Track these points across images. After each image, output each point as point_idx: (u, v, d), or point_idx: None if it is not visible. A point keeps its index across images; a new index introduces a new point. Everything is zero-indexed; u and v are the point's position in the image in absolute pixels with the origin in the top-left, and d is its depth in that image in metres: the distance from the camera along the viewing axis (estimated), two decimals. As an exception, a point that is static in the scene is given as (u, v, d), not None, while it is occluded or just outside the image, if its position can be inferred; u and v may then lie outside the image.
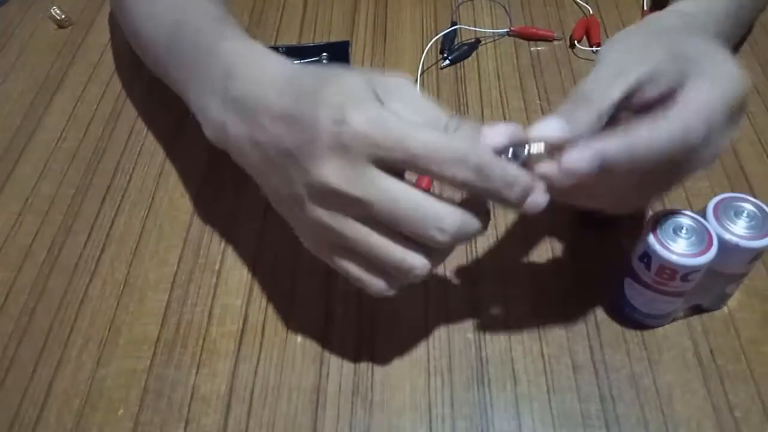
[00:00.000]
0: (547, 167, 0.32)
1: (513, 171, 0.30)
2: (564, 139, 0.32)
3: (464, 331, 0.41)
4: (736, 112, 0.33)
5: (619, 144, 0.31)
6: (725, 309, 0.42)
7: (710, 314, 0.41)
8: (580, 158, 0.31)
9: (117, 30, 0.63)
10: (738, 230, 0.36)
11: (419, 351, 0.40)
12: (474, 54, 0.58)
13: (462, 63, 0.58)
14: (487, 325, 0.41)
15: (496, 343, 0.41)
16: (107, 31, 0.63)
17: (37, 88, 0.58)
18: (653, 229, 0.36)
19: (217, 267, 0.45)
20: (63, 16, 0.63)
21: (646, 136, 0.31)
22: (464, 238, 0.32)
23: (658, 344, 0.40)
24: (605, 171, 0.31)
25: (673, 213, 0.37)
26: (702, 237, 0.36)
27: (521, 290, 0.43)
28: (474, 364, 0.40)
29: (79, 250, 0.46)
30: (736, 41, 0.42)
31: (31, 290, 0.44)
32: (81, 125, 0.54)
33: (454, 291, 0.43)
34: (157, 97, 0.56)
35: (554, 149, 0.32)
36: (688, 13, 0.38)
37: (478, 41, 0.59)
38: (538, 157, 0.32)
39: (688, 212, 0.37)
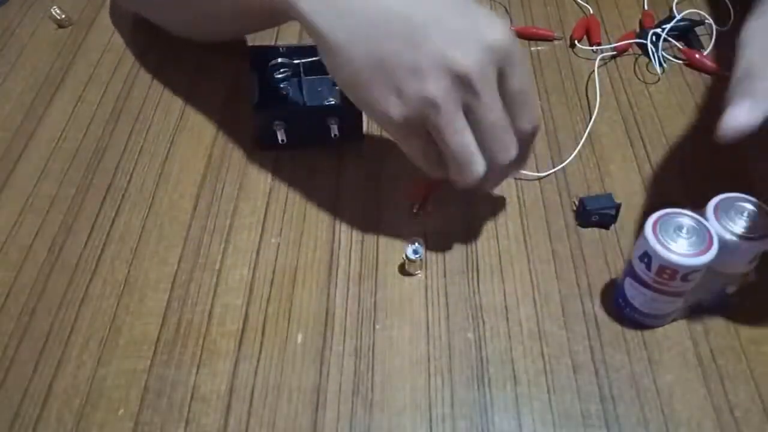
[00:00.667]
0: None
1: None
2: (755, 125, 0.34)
3: (464, 331, 0.41)
4: None
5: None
6: (725, 309, 0.42)
7: (710, 314, 0.41)
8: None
9: (118, 29, 0.63)
10: (738, 230, 0.36)
11: (419, 351, 0.40)
12: (474, 54, 0.58)
13: (462, 63, 0.57)
14: (487, 325, 0.41)
15: (496, 343, 0.41)
16: (108, 30, 0.63)
17: (37, 87, 0.58)
18: (653, 229, 0.36)
19: (217, 267, 0.45)
20: (63, 16, 0.63)
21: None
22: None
23: (659, 344, 0.40)
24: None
25: (674, 213, 0.37)
26: (702, 237, 0.36)
27: (521, 290, 0.43)
28: (474, 364, 0.40)
29: (80, 250, 0.46)
30: None
31: (31, 290, 0.44)
32: (81, 125, 0.54)
33: (454, 291, 0.43)
34: (158, 97, 0.56)
35: None
36: None
37: (478, 41, 0.59)
38: None
39: (688, 212, 0.37)
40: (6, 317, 0.43)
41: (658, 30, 0.57)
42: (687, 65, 0.57)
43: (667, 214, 0.37)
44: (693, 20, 0.58)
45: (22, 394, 0.39)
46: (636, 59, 0.58)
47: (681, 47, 0.57)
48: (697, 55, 0.56)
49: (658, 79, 0.56)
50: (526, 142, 0.40)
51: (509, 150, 0.39)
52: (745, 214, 0.37)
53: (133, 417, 0.38)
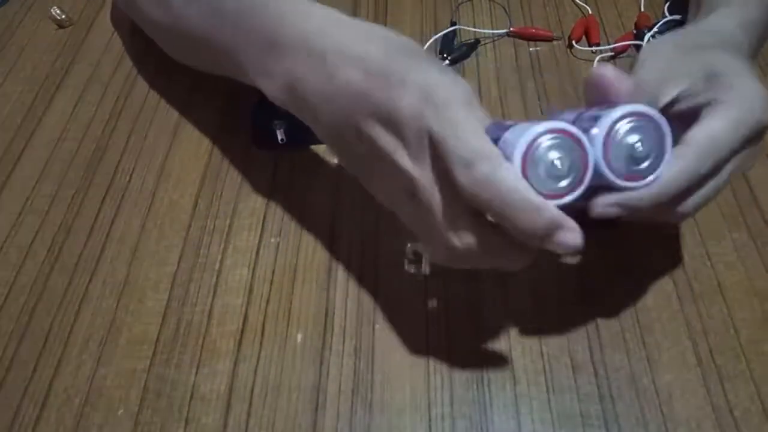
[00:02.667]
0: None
1: (533, 198, 0.30)
2: (627, 90, 0.32)
3: (464, 331, 0.41)
4: (755, 137, 0.34)
5: (652, 195, 0.32)
6: (725, 309, 0.42)
7: (710, 314, 0.41)
8: (603, 207, 0.32)
9: (118, 30, 0.63)
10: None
11: (419, 351, 0.40)
12: (473, 54, 0.58)
13: (461, 63, 0.58)
14: (487, 325, 0.41)
15: (496, 343, 0.41)
16: (108, 31, 0.63)
17: (37, 88, 0.58)
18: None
19: (217, 266, 0.45)
20: (63, 16, 0.63)
21: (672, 182, 0.32)
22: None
23: (658, 344, 0.40)
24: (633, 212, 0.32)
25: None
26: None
27: (521, 290, 0.43)
28: (473, 364, 0.40)
29: (80, 250, 0.46)
30: (762, 45, 0.44)
31: (31, 290, 0.44)
32: (81, 125, 0.54)
33: (454, 291, 0.43)
34: (158, 97, 0.56)
35: None
36: (722, 30, 0.39)
37: (477, 41, 0.59)
38: None
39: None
40: (6, 317, 0.43)
41: (655, 29, 0.57)
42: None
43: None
44: (683, 21, 0.58)
45: (21, 394, 0.39)
46: (634, 60, 0.58)
47: None
48: None
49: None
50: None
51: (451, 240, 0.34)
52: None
53: (133, 417, 0.38)
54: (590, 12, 0.61)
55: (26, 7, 0.66)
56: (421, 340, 0.41)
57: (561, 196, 0.30)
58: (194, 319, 0.42)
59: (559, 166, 0.30)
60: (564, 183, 0.30)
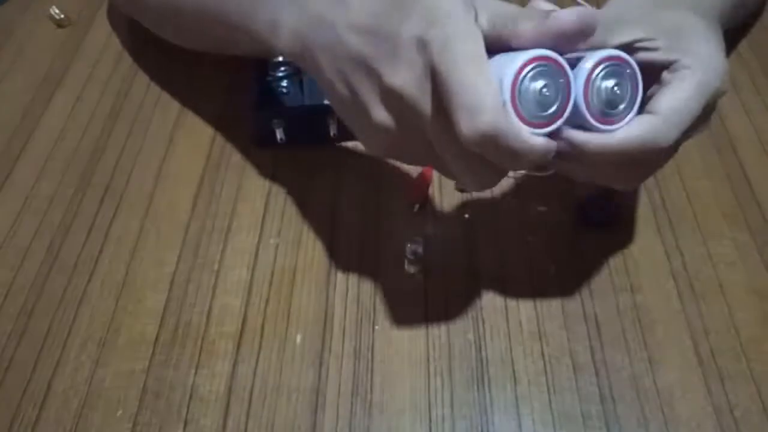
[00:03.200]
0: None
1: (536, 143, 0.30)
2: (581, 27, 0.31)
3: (464, 331, 0.41)
4: (711, 106, 0.34)
5: (597, 142, 0.32)
6: (725, 309, 0.41)
7: (710, 314, 0.41)
8: (564, 136, 0.32)
9: (116, 29, 0.62)
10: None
11: (419, 351, 0.40)
12: (474, 53, 0.58)
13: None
14: (487, 325, 0.41)
15: (496, 343, 0.41)
16: (106, 30, 0.63)
17: (36, 87, 0.58)
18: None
19: (215, 267, 0.45)
20: (62, 16, 0.63)
21: (621, 137, 0.32)
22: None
23: (659, 344, 0.40)
24: (580, 157, 0.32)
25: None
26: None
27: (521, 290, 0.43)
28: (474, 365, 0.40)
29: (78, 250, 0.46)
30: (737, 22, 0.43)
31: (29, 290, 0.44)
32: (80, 125, 0.54)
33: (454, 291, 0.43)
34: (156, 96, 0.56)
35: None
36: None
37: (477, 40, 0.59)
38: None
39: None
40: (4, 318, 0.43)
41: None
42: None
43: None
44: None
45: (20, 395, 0.39)
46: None
47: None
48: None
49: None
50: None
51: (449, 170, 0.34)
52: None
53: (132, 418, 0.38)
54: (590, 11, 0.61)
55: (25, 7, 0.65)
56: (421, 340, 0.41)
57: (547, 124, 0.31)
58: (193, 320, 0.42)
59: (547, 93, 0.30)
60: (550, 110, 0.31)
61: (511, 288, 0.43)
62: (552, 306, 0.42)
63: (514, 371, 0.39)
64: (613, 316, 0.41)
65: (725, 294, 0.42)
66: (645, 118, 0.33)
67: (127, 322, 0.42)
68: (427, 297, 0.43)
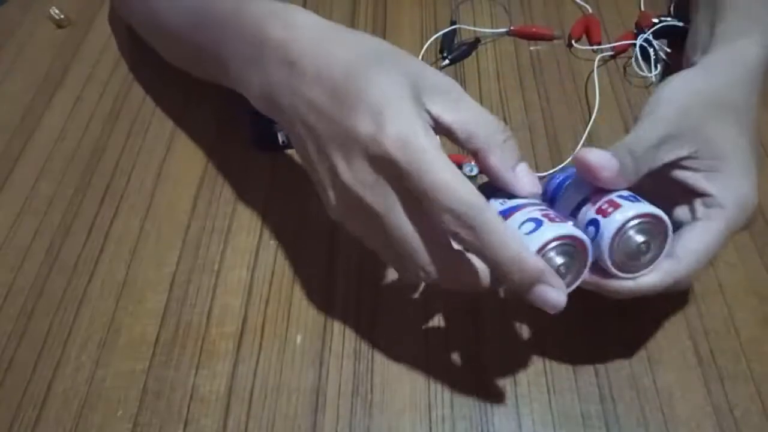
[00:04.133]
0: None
1: (515, 247, 0.29)
2: (610, 176, 0.32)
3: (464, 331, 0.41)
4: (733, 234, 0.35)
5: (625, 288, 0.34)
6: (725, 309, 0.41)
7: (710, 314, 0.41)
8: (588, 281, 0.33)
9: (116, 30, 0.62)
10: None
11: (419, 351, 0.40)
12: (474, 53, 0.58)
13: (461, 63, 0.58)
14: (487, 326, 0.41)
15: (496, 343, 0.41)
16: (106, 31, 0.63)
17: (36, 88, 0.58)
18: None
19: (216, 267, 0.45)
20: (62, 16, 0.63)
21: (642, 284, 0.33)
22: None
23: (658, 344, 0.40)
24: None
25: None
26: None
27: (521, 290, 0.43)
28: (474, 365, 0.40)
29: (78, 251, 0.46)
30: None
31: (30, 291, 0.44)
32: (80, 125, 0.54)
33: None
34: (156, 97, 0.56)
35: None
36: (745, 67, 0.39)
37: (477, 41, 0.59)
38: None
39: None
40: (4, 318, 0.43)
41: (652, 31, 0.57)
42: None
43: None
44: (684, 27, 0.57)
45: (20, 396, 0.39)
46: (633, 59, 0.57)
47: (668, 51, 0.57)
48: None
49: (651, 83, 0.56)
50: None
51: (429, 270, 0.33)
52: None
53: (132, 418, 0.38)
54: (590, 11, 0.61)
55: (25, 7, 0.65)
56: (421, 341, 0.41)
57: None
58: (193, 320, 0.42)
59: (563, 270, 0.32)
60: (566, 278, 0.32)
61: (511, 288, 0.43)
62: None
63: (514, 371, 0.39)
64: (613, 315, 0.41)
65: (725, 294, 0.42)
66: (666, 265, 0.33)
67: (128, 322, 0.42)
68: (427, 297, 0.43)
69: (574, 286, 0.33)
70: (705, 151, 0.35)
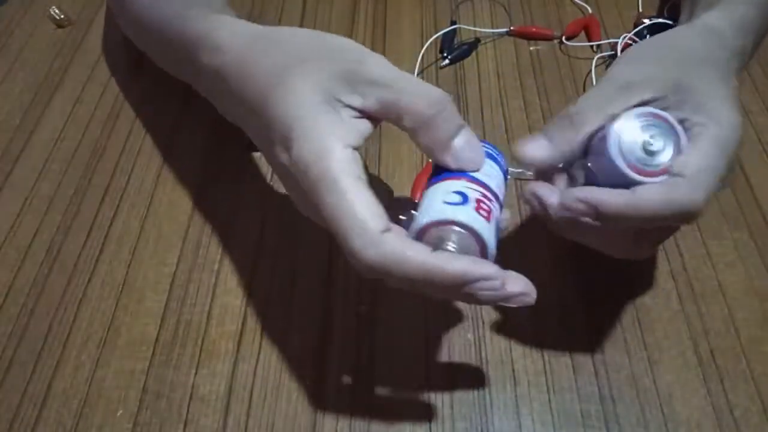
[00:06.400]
0: (545, 193, 0.33)
1: (423, 272, 0.28)
2: (547, 162, 0.33)
3: (464, 331, 0.41)
4: (732, 161, 0.33)
5: (620, 201, 0.31)
6: (725, 309, 0.41)
7: (710, 314, 0.41)
8: (571, 200, 0.32)
9: (115, 30, 0.62)
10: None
11: (419, 351, 0.40)
12: (474, 53, 0.58)
13: (461, 62, 0.58)
14: (487, 326, 0.41)
15: (496, 343, 0.41)
16: (106, 31, 0.63)
17: (35, 87, 0.58)
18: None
19: (216, 267, 0.45)
20: (62, 16, 0.63)
21: (652, 200, 0.31)
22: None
23: (658, 344, 0.40)
24: (602, 221, 0.32)
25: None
26: None
27: (521, 290, 0.43)
28: (474, 365, 0.40)
29: (78, 251, 0.46)
30: (756, 47, 0.43)
31: (29, 290, 0.44)
32: (80, 125, 0.54)
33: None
34: (156, 97, 0.56)
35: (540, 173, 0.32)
36: (713, 29, 0.38)
37: (477, 41, 0.59)
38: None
39: None
40: (4, 318, 0.43)
41: (646, 29, 0.57)
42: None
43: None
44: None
45: (20, 395, 0.39)
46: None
47: None
48: None
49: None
50: None
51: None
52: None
53: (132, 418, 0.38)
54: (590, 11, 0.61)
55: (25, 7, 0.65)
56: (421, 340, 0.41)
57: None
58: (193, 320, 0.42)
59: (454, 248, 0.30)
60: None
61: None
62: (551, 306, 0.42)
63: (514, 371, 0.39)
64: (613, 315, 0.41)
65: (725, 294, 0.42)
66: (670, 180, 0.31)
67: (128, 322, 0.42)
68: (426, 297, 0.43)
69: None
70: (669, 90, 0.34)
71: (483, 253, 0.30)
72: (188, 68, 0.40)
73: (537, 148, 0.33)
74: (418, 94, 0.31)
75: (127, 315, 0.43)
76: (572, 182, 0.35)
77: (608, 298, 0.42)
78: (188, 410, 0.39)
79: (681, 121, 0.33)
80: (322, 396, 0.39)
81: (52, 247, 0.46)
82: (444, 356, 0.40)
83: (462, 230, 0.30)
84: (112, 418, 0.38)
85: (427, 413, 0.38)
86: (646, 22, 0.58)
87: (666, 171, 0.32)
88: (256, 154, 0.51)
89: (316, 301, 0.43)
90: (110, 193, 0.49)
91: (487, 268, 0.29)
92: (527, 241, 0.45)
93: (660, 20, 0.57)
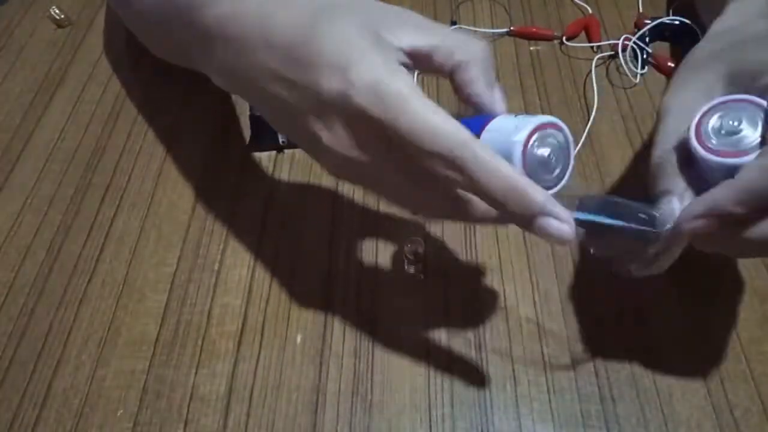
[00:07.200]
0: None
1: (512, 181, 0.27)
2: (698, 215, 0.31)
3: (464, 331, 0.41)
4: None
5: (728, 192, 0.29)
6: (726, 309, 0.41)
7: (710, 314, 0.41)
8: (690, 221, 0.30)
9: (115, 30, 0.62)
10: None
11: (419, 351, 0.40)
12: (474, 53, 0.58)
13: (462, 62, 0.57)
14: (487, 325, 0.41)
15: (496, 343, 0.41)
16: (107, 30, 0.63)
17: (36, 87, 0.58)
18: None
19: (216, 267, 0.45)
20: (62, 16, 0.63)
21: (756, 176, 0.29)
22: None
23: (658, 344, 0.40)
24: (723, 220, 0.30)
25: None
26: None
27: (521, 290, 0.43)
28: (474, 365, 0.40)
29: (79, 250, 0.46)
30: None
31: (30, 290, 0.44)
32: (80, 125, 0.54)
33: (453, 291, 0.43)
34: (156, 97, 0.56)
35: None
36: (745, 20, 0.37)
37: (477, 41, 0.59)
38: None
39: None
40: (5, 318, 0.43)
41: (647, 30, 0.57)
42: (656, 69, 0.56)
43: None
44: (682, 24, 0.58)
45: (21, 395, 0.39)
46: (622, 59, 0.58)
47: (651, 51, 0.57)
48: (669, 63, 0.56)
49: (634, 84, 0.56)
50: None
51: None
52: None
53: (132, 417, 0.38)
54: (590, 11, 0.61)
55: (25, 7, 0.65)
56: (421, 340, 0.41)
57: (552, 187, 0.31)
58: (193, 320, 0.42)
59: (553, 162, 0.31)
60: (555, 173, 0.31)
61: (510, 288, 0.43)
62: (552, 306, 0.42)
63: (514, 371, 0.39)
64: (614, 316, 0.41)
65: (725, 294, 0.42)
66: (765, 149, 0.30)
67: (128, 321, 0.42)
68: (426, 297, 0.43)
69: (564, 182, 0.31)
70: (730, 85, 0.33)
71: (567, 140, 0.31)
72: (193, 27, 0.37)
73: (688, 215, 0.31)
74: (464, 34, 0.32)
75: (128, 315, 0.43)
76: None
77: (608, 298, 0.42)
78: (188, 410, 0.39)
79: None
80: (322, 395, 0.39)
81: (52, 246, 0.46)
82: (444, 356, 0.40)
83: (564, 128, 0.31)
84: (112, 418, 0.38)
85: (427, 413, 0.38)
86: (648, 23, 0.58)
87: (763, 143, 0.31)
88: (256, 154, 0.51)
89: (316, 301, 0.43)
90: (110, 193, 0.49)
91: (563, 213, 0.28)
92: (528, 240, 0.45)
93: (661, 20, 0.57)
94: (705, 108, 0.32)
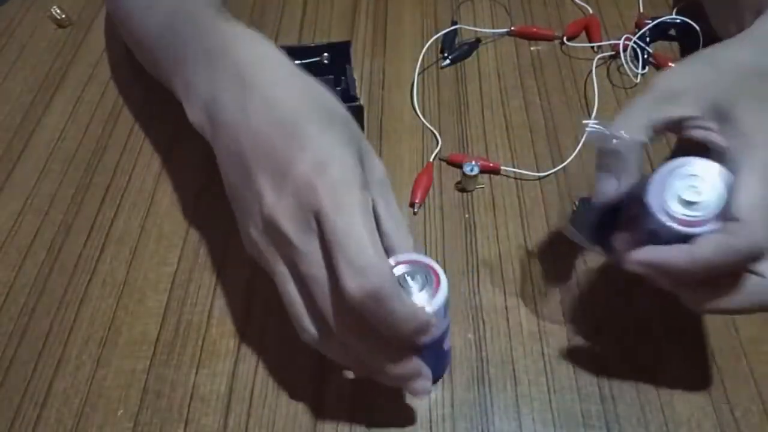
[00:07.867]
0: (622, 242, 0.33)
1: (404, 308, 0.30)
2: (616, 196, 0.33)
3: (464, 331, 0.41)
4: None
5: (680, 255, 0.31)
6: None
7: (710, 314, 0.41)
8: (633, 264, 0.32)
9: (114, 30, 0.62)
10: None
11: (419, 351, 0.40)
12: (474, 53, 0.58)
13: (462, 63, 0.58)
14: (487, 325, 0.41)
15: (496, 343, 0.41)
16: (107, 31, 0.63)
17: (36, 87, 0.58)
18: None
19: (216, 267, 0.45)
20: (63, 16, 0.63)
21: (711, 251, 0.30)
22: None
23: (659, 344, 0.40)
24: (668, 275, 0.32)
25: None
26: None
27: (521, 290, 0.43)
28: (474, 364, 0.40)
29: (79, 250, 0.46)
30: None
31: (30, 290, 0.44)
32: (81, 125, 0.54)
33: (454, 291, 0.43)
34: (157, 96, 0.56)
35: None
36: (760, 37, 0.36)
37: (478, 41, 0.59)
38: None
39: None
40: (5, 317, 0.43)
41: (648, 30, 0.57)
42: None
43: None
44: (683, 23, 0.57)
45: (21, 395, 0.39)
46: (632, 59, 0.58)
47: (651, 51, 0.57)
48: (670, 63, 0.56)
49: (635, 84, 0.55)
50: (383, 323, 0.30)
51: (328, 318, 0.32)
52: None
53: (133, 417, 0.38)
54: (591, 11, 0.61)
55: (26, 7, 0.66)
56: (422, 340, 0.41)
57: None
58: (194, 320, 0.42)
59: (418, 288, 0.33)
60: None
61: (511, 288, 0.43)
62: (552, 306, 0.42)
63: (514, 371, 0.39)
64: (614, 316, 0.41)
65: (725, 294, 0.42)
66: (727, 227, 0.30)
67: (128, 321, 0.42)
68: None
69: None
70: (708, 112, 0.33)
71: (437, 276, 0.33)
72: (187, 48, 0.40)
73: (607, 186, 0.34)
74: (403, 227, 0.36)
75: (128, 314, 0.43)
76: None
77: (608, 298, 0.42)
78: (189, 410, 0.39)
79: (723, 150, 0.31)
80: (322, 396, 0.39)
81: (52, 246, 0.46)
82: (444, 356, 0.40)
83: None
84: (112, 418, 0.38)
85: (427, 413, 0.38)
86: (649, 23, 0.58)
87: (721, 214, 0.30)
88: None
89: (316, 301, 0.43)
90: (111, 193, 0.49)
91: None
92: (529, 240, 0.45)
93: (662, 19, 0.57)
94: (666, 167, 0.32)
